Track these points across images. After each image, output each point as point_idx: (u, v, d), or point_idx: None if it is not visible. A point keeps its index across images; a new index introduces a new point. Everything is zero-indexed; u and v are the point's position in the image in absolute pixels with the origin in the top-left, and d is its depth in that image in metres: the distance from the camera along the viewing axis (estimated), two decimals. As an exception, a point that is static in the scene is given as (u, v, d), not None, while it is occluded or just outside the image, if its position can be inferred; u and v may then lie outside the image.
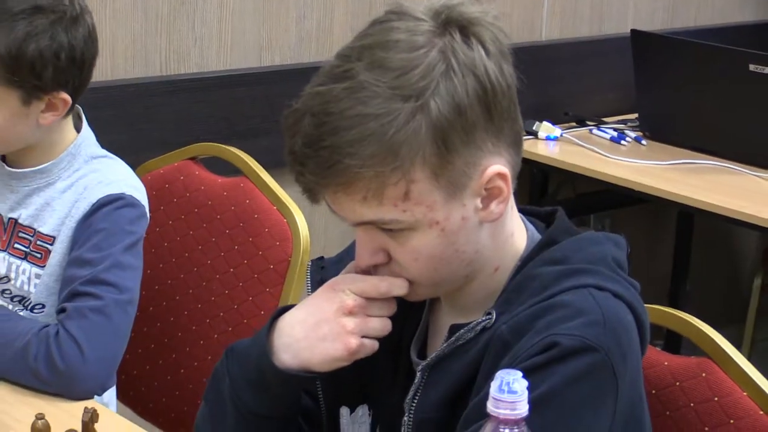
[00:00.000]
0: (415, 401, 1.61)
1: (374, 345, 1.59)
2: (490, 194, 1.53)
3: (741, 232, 3.82)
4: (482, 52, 1.49)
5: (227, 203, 2.61)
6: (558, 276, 1.55)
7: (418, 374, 1.62)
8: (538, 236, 1.66)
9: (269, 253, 2.50)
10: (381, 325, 1.60)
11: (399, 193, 1.48)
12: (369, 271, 1.61)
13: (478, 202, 1.53)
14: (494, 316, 1.55)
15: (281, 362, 1.60)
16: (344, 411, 1.74)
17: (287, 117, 1.52)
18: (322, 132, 1.47)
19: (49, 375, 2.10)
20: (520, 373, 1.31)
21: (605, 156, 3.64)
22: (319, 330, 1.59)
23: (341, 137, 1.46)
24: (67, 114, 2.31)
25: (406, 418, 1.62)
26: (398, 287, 1.58)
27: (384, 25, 1.53)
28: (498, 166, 1.52)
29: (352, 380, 1.68)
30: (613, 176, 3.51)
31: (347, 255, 1.74)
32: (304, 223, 2.48)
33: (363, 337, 1.58)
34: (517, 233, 1.64)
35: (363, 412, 1.72)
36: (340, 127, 1.46)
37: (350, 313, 1.58)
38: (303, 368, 1.60)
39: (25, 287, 2.36)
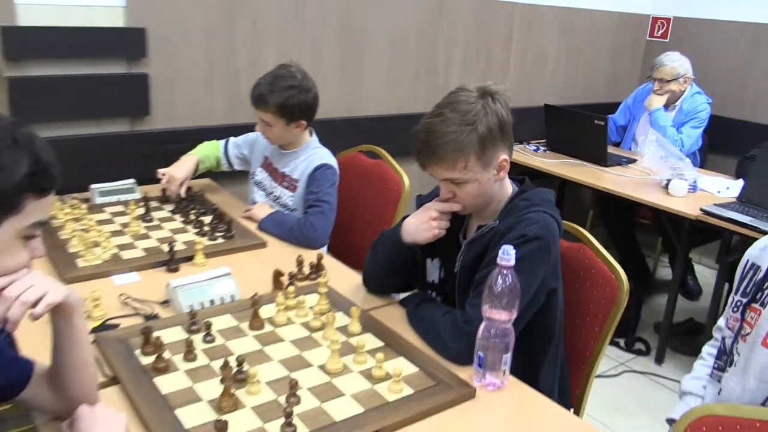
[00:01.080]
0: (461, 257, 1.61)
1: (443, 232, 1.61)
2: (500, 168, 1.53)
3: (585, 190, 3.70)
4: (500, 106, 1.49)
5: (374, 172, 2.58)
6: (527, 206, 1.55)
7: (463, 246, 1.62)
8: (516, 189, 1.64)
9: (391, 192, 2.48)
10: (446, 224, 1.61)
11: (462, 166, 1.49)
12: (445, 201, 1.59)
13: (495, 171, 1.52)
14: (498, 223, 1.54)
15: (405, 240, 1.63)
16: (428, 260, 1.75)
17: (414, 132, 1.53)
18: (429, 140, 1.48)
19: (302, 239, 2.12)
20: (511, 246, 1.29)
21: (531, 156, 3.56)
22: (421, 227, 1.61)
23: (438, 141, 1.48)
24: (305, 128, 2.30)
25: (458, 264, 1.62)
26: (455, 207, 1.58)
27: (455, 93, 1.52)
28: (505, 156, 1.53)
29: (432, 247, 1.66)
30: (533, 165, 3.43)
31: (432, 194, 1.73)
32: (407, 180, 2.44)
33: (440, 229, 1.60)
34: (509, 187, 1.63)
35: (436, 261, 1.73)
36: (438, 137, 1.47)
37: (434, 219, 1.59)
38: (414, 242, 1.62)
39: (286, 201, 2.37)
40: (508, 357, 1.38)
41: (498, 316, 1.34)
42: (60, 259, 1.84)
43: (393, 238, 1.66)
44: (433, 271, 1.72)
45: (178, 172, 2.38)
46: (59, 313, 1.08)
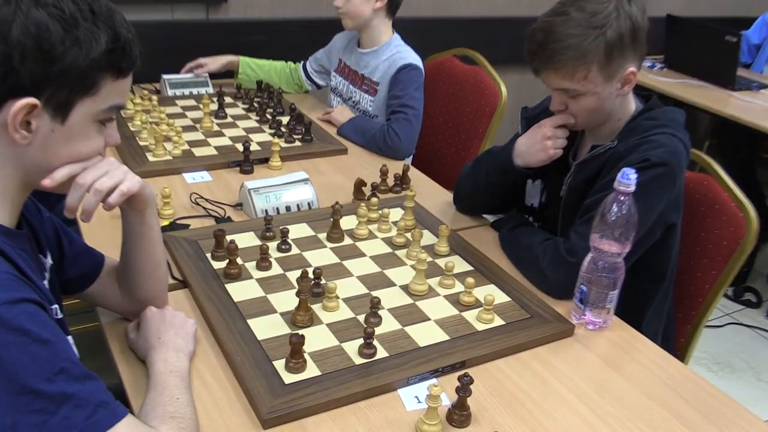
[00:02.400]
0: (569, 180, 1.53)
1: (560, 152, 1.51)
2: (625, 81, 1.42)
3: (703, 116, 3.48)
4: (635, 9, 1.37)
5: (469, 79, 2.46)
6: (652, 127, 1.43)
7: (573, 167, 1.53)
8: (641, 106, 1.51)
9: (486, 103, 2.36)
10: (563, 142, 1.50)
11: (581, 76, 1.38)
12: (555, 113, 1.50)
13: (619, 85, 1.41)
14: (616, 143, 1.45)
15: (516, 162, 1.54)
16: (529, 181, 1.67)
17: (530, 32, 1.41)
18: (547, 41, 1.36)
19: (385, 148, 2.09)
20: (633, 170, 1.22)
21: (645, 73, 3.35)
22: (534, 147, 1.51)
23: (557, 44, 1.36)
24: (383, 7, 2.22)
25: (564, 187, 1.54)
26: (570, 120, 1.47)
27: None
28: (633, 68, 1.41)
29: (535, 168, 1.56)
30: (646, 83, 3.20)
31: (540, 106, 1.64)
32: (505, 90, 2.30)
33: (555, 150, 1.51)
34: (632, 103, 1.51)
35: (538, 182, 1.65)
36: (557, 39, 1.36)
37: (548, 138, 1.49)
38: (525, 165, 1.54)
39: (366, 107, 2.32)
40: (614, 294, 1.32)
41: (609, 248, 1.28)
42: (129, 153, 1.86)
43: (502, 160, 1.58)
44: (533, 193, 1.65)
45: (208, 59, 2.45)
46: (132, 207, 1.08)
